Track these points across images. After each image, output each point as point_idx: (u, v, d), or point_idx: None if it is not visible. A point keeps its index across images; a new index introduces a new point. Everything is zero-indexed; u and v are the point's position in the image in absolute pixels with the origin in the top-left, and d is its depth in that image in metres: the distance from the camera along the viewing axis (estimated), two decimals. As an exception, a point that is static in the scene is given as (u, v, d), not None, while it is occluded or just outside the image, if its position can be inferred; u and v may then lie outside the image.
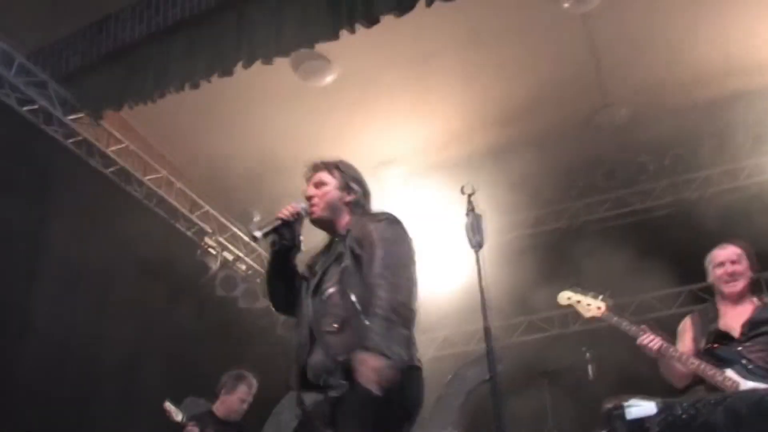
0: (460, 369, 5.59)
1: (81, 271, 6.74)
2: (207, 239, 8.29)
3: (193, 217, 8.03)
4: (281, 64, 6.49)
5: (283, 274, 3.21)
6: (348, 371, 2.75)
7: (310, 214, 3.23)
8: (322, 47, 6.38)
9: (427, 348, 9.03)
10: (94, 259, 6.76)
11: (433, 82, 7.41)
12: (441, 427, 5.20)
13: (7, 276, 6.10)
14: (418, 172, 8.17)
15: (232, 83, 6.51)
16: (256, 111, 7.47)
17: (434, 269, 8.20)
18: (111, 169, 7.33)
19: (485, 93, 7.56)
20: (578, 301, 4.38)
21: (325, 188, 3.26)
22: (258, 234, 3.06)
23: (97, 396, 6.60)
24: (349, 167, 3.38)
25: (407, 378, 2.81)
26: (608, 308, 4.30)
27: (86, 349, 6.51)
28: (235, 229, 8.58)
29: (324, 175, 3.30)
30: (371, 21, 5.84)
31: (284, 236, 3.16)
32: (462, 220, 3.59)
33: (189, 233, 7.96)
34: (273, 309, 3.35)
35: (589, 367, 6.23)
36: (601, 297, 4.35)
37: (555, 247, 8.50)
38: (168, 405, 5.36)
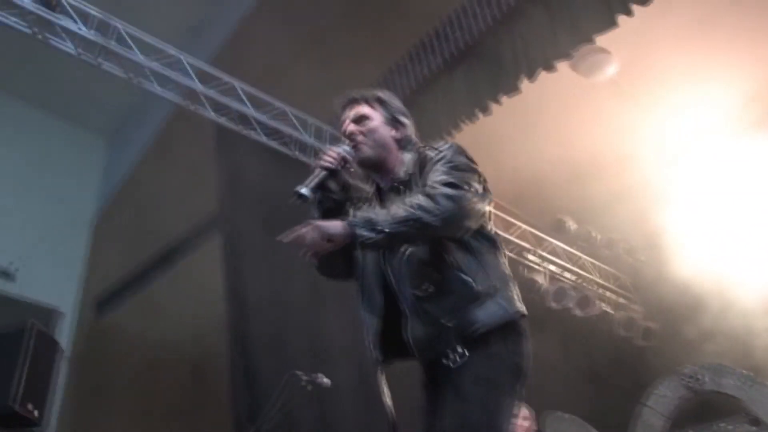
0: None
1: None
2: (528, 256, 8.36)
3: (511, 237, 8.15)
4: (560, 67, 6.42)
5: None
6: (463, 337, 2.39)
7: (356, 154, 2.68)
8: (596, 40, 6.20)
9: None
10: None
11: (720, 42, 6.85)
12: None
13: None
14: (731, 135, 7.55)
15: (519, 97, 6.56)
16: (548, 119, 7.46)
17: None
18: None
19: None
20: None
21: (370, 123, 2.72)
22: (305, 191, 2.49)
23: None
24: (392, 97, 2.85)
25: (514, 329, 2.46)
26: None
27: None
28: (553, 241, 8.57)
29: (365, 109, 2.75)
30: (646, -3, 5.60)
31: (332, 190, 2.63)
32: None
33: (510, 253, 8.07)
34: (325, 276, 2.80)
35: None
36: None
37: None
38: None
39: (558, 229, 8.69)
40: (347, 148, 2.67)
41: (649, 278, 8.57)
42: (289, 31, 7.05)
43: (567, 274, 8.74)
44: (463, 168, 2.54)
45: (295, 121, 6.85)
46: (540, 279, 8.34)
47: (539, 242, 8.52)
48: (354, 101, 2.78)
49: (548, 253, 8.54)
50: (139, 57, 6.00)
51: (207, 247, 7.99)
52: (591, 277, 8.84)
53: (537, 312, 7.93)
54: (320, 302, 6.51)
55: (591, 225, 8.74)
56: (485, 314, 2.41)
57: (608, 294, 8.99)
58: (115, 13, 5.98)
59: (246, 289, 6.37)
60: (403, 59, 7.19)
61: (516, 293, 2.55)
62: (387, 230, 2.34)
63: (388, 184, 2.71)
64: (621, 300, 9.06)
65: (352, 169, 2.70)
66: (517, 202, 8.45)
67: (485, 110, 6.60)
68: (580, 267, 8.83)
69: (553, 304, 8.34)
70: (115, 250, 9.38)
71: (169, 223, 8.32)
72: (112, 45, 5.84)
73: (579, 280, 8.79)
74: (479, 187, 2.55)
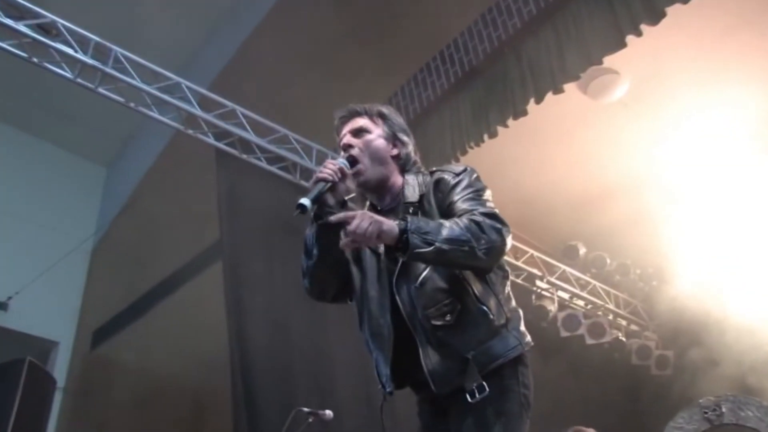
0: None
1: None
2: (539, 282, 8.16)
3: (520, 264, 7.96)
4: (568, 88, 6.25)
5: (335, 253, 2.43)
6: (484, 368, 2.30)
7: (353, 168, 2.53)
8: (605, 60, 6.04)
9: None
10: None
11: (732, 61, 6.67)
12: None
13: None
14: (746, 156, 7.35)
15: (527, 119, 6.39)
16: (556, 142, 7.30)
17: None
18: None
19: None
20: None
21: (369, 136, 2.59)
22: (306, 202, 2.32)
23: None
24: (395, 114, 2.71)
25: (522, 361, 2.40)
26: None
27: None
28: (564, 267, 8.38)
29: (364, 122, 2.63)
30: (657, 17, 5.44)
31: (329, 204, 2.44)
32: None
33: (519, 280, 7.90)
34: (315, 298, 2.63)
35: None
36: None
37: None
38: None
39: (569, 255, 8.53)
40: (343, 160, 2.53)
41: (663, 305, 8.37)
42: (290, 54, 6.93)
43: (578, 301, 8.54)
44: (487, 196, 2.46)
45: (296, 145, 6.68)
46: (550, 306, 8.14)
47: (549, 268, 8.32)
48: (355, 113, 2.67)
49: (559, 279, 8.34)
50: (138, 82, 5.85)
51: (207, 273, 7.83)
52: (603, 303, 8.63)
53: (547, 339, 7.77)
54: (322, 328, 6.38)
55: (603, 250, 8.56)
56: (503, 347, 2.36)
57: (621, 321, 8.78)
58: (112, 37, 5.84)
59: (247, 316, 6.23)
60: (408, 82, 7.11)
61: (523, 324, 2.50)
62: (439, 246, 2.20)
63: (388, 205, 2.58)
64: (634, 327, 8.84)
65: (351, 194, 2.58)
66: (526, 227, 8.25)
67: (492, 133, 6.43)
68: (591, 293, 8.62)
69: (564, 332, 8.13)
70: (112, 278, 9.22)
71: (168, 250, 8.16)
72: (110, 70, 5.68)
73: (590, 307, 8.58)
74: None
